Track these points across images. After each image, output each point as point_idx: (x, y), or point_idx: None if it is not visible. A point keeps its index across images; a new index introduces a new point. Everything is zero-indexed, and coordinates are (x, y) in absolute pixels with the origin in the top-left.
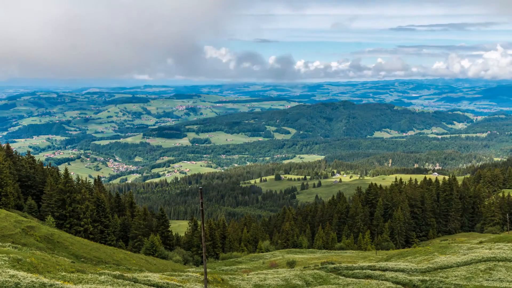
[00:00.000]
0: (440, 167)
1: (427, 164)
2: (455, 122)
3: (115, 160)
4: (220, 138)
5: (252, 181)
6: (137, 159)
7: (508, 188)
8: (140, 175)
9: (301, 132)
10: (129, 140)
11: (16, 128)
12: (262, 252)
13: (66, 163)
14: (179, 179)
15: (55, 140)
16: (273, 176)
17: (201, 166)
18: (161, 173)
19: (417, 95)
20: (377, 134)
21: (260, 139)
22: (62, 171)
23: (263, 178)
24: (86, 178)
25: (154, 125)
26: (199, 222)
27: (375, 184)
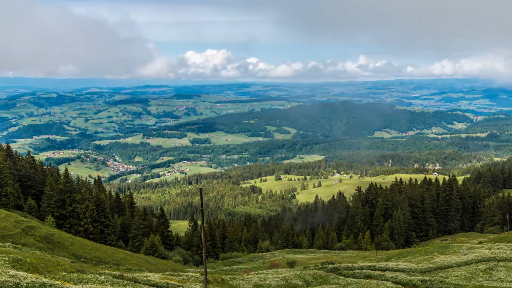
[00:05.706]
0: (440, 167)
1: (427, 164)
2: (455, 122)
3: (115, 160)
4: (220, 138)
5: (252, 181)
6: (137, 159)
7: (508, 188)
8: (140, 175)
9: (301, 132)
10: (129, 140)
11: (16, 128)
12: (262, 252)
13: (66, 163)
14: (179, 179)
15: (55, 140)
16: (273, 176)
17: (201, 166)
18: (161, 173)
19: (417, 95)
20: (377, 134)
21: (260, 139)
22: (62, 171)
23: (263, 178)
24: (86, 178)
25: (154, 125)
26: (199, 222)
27: (375, 184)
